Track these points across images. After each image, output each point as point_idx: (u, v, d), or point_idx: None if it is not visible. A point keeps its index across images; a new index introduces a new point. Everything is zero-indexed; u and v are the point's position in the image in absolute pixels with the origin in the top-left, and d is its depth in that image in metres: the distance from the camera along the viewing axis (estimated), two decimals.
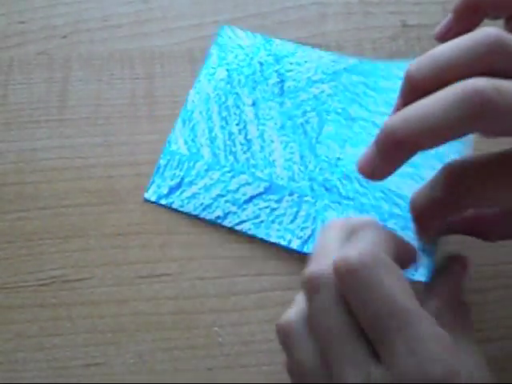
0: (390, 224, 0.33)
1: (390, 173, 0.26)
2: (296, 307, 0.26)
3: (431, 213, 0.28)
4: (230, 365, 0.33)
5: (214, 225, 0.35)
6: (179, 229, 0.36)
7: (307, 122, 0.37)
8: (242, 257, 0.35)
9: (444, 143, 0.24)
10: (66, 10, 0.42)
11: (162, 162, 0.37)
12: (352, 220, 0.27)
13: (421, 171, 0.34)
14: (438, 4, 0.42)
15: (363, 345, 0.23)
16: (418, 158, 0.30)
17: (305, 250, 0.34)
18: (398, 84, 0.32)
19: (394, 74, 0.37)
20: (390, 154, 0.25)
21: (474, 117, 0.22)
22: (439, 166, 0.29)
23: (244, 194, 0.35)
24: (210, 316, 0.34)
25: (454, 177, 0.27)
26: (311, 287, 0.24)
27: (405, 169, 0.30)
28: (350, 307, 0.23)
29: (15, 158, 0.37)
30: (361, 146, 0.36)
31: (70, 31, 0.41)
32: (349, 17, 0.42)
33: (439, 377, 0.21)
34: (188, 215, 0.36)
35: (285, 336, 0.25)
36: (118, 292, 0.34)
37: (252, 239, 0.35)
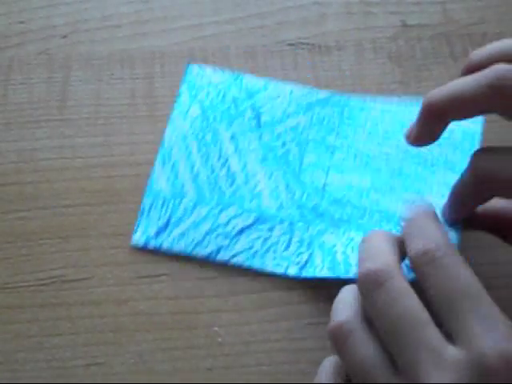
0: None
1: (428, 138, 0.29)
2: (347, 309, 0.26)
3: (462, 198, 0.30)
4: (230, 365, 0.33)
5: None
6: None
7: (288, 151, 0.37)
8: None
9: (468, 115, 0.27)
10: (66, 9, 0.42)
11: (146, 202, 0.36)
12: (393, 232, 0.29)
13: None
14: (438, 4, 0.42)
15: (435, 328, 0.24)
16: (423, 185, 0.34)
17: (303, 274, 0.34)
18: (374, 115, 0.37)
19: (368, 106, 0.38)
20: (426, 119, 0.28)
21: (490, 88, 0.26)
22: (446, 194, 0.31)
23: (234, 227, 0.35)
24: (209, 316, 0.34)
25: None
26: (374, 282, 0.25)
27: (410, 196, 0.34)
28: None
29: (15, 158, 0.37)
30: (346, 173, 0.36)
31: (70, 31, 0.41)
32: (349, 17, 0.42)
33: None
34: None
35: (344, 337, 0.25)
36: (117, 292, 0.34)
37: None
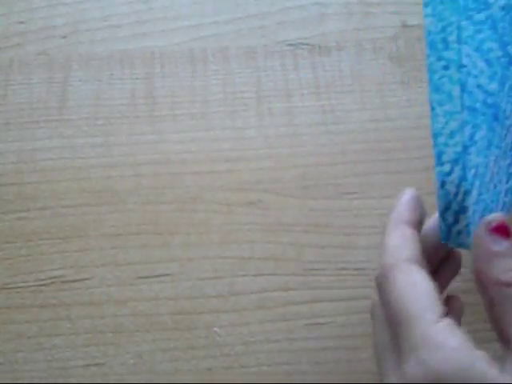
0: None
1: None
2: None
3: None
4: (230, 365, 0.33)
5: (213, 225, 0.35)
6: (179, 229, 0.36)
7: None
8: (241, 257, 0.35)
9: None
10: (66, 10, 0.42)
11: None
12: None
13: None
14: None
15: (424, 325, 0.24)
16: None
17: None
18: None
19: None
20: None
21: None
22: None
23: None
24: (209, 316, 0.34)
25: None
26: (381, 275, 0.26)
27: None
28: None
29: (15, 158, 0.37)
30: None
31: (69, 31, 0.41)
32: (349, 17, 0.42)
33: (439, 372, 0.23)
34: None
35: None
36: (117, 292, 0.34)
37: (251, 239, 0.35)
